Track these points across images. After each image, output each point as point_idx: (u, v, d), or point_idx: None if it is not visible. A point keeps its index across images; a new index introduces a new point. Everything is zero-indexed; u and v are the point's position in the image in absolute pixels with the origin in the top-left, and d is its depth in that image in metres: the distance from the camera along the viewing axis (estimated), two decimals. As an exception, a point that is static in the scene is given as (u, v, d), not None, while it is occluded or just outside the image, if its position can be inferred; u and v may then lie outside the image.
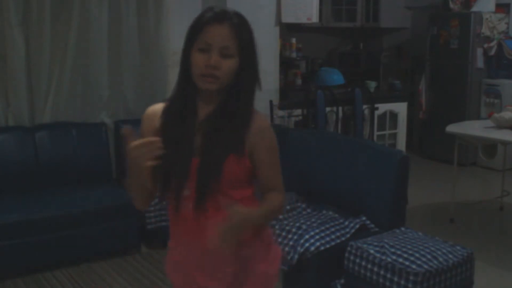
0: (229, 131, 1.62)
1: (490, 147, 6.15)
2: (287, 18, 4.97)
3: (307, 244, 2.99)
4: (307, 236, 3.03)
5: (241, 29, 1.61)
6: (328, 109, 5.15)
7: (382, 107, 5.69)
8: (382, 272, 2.78)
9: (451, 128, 4.50)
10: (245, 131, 1.63)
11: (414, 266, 2.69)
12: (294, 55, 6.06)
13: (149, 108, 1.74)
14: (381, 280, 2.78)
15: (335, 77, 5.59)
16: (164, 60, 4.62)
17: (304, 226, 3.13)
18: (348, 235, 3.12)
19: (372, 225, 3.27)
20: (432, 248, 2.85)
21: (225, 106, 1.63)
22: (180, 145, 1.62)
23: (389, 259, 2.77)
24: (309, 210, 3.52)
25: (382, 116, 5.77)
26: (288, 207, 3.47)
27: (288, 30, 5.92)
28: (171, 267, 1.90)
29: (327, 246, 3.02)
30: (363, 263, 2.87)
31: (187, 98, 1.64)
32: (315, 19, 5.18)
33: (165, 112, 1.67)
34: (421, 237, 3.05)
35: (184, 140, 1.62)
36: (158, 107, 1.71)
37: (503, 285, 3.55)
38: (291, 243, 3.04)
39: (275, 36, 4.97)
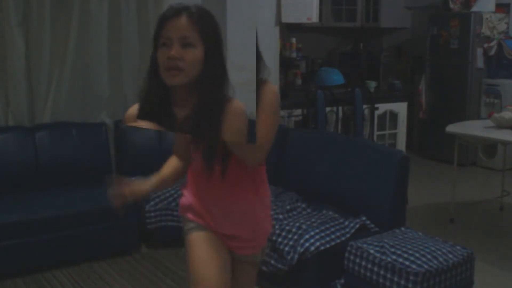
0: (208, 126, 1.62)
1: (490, 147, 6.15)
2: (287, 18, 4.96)
3: (307, 244, 2.99)
4: (307, 236, 3.03)
5: (201, 18, 1.62)
6: (328, 109, 5.15)
7: (382, 107, 5.69)
8: (382, 272, 2.78)
9: (451, 128, 4.50)
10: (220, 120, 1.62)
11: (414, 266, 2.69)
12: (294, 55, 6.06)
13: (128, 112, 1.79)
14: (381, 280, 2.78)
15: (335, 77, 5.59)
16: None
17: (304, 226, 3.14)
18: (348, 235, 3.12)
19: (372, 225, 3.27)
20: (432, 248, 2.85)
21: (201, 104, 1.63)
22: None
23: (389, 259, 2.77)
24: (309, 210, 3.52)
25: (382, 116, 5.77)
26: (288, 207, 3.48)
27: (288, 30, 5.93)
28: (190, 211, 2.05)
29: (327, 246, 3.02)
30: (363, 263, 2.87)
31: (160, 102, 1.67)
32: (315, 19, 5.18)
33: (141, 118, 1.72)
34: (421, 237, 3.05)
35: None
36: (135, 111, 1.76)
37: (503, 285, 3.55)
38: (291, 243, 3.04)
39: (275, 36, 4.97)
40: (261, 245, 2.07)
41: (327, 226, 3.16)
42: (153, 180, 2.10)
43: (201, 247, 1.95)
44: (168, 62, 1.59)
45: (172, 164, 2.11)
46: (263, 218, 2.01)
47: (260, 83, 1.82)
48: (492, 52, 6.36)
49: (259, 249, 2.08)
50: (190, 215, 2.03)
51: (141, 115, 1.72)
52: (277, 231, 3.15)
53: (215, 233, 1.97)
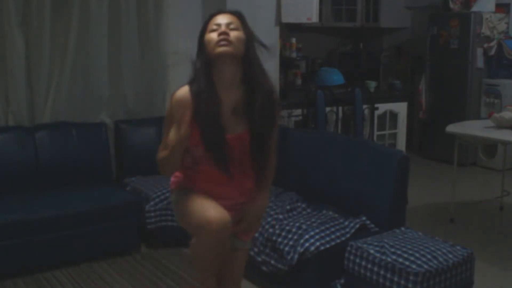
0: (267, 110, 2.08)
1: (490, 147, 6.15)
2: (287, 18, 4.96)
3: (307, 244, 2.99)
4: (307, 236, 3.03)
5: (241, 16, 2.09)
6: (328, 109, 5.15)
7: (382, 107, 5.69)
8: (382, 272, 2.78)
9: (451, 128, 4.50)
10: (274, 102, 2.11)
11: (414, 266, 2.69)
12: (294, 55, 6.06)
13: (180, 94, 2.12)
14: (381, 280, 2.78)
15: (335, 77, 5.59)
16: (164, 60, 4.63)
17: (304, 226, 3.14)
18: (348, 235, 3.12)
19: (372, 225, 3.27)
20: (432, 248, 2.85)
21: (250, 85, 2.04)
22: (215, 128, 2.01)
23: (389, 259, 2.77)
24: (309, 210, 3.52)
25: (382, 116, 5.77)
26: (288, 207, 3.48)
27: (288, 30, 5.92)
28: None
29: (327, 246, 3.02)
30: (363, 263, 2.87)
31: (210, 85, 2.03)
32: (315, 19, 5.17)
33: (195, 99, 2.04)
34: (421, 237, 3.05)
35: (215, 121, 2.01)
36: (187, 93, 2.10)
37: (503, 285, 3.55)
38: (291, 243, 3.04)
39: (275, 36, 4.97)
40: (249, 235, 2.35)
41: (327, 226, 3.16)
42: None
43: (204, 197, 2.14)
44: (219, 37, 1.97)
45: None
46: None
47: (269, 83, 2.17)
48: (492, 52, 6.36)
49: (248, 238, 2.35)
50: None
51: (195, 101, 2.03)
52: (277, 231, 3.16)
53: None
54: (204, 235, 2.05)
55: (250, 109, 2.04)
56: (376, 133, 5.67)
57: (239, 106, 2.04)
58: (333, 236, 3.08)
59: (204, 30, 2.05)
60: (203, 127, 2.01)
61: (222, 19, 2.02)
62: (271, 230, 3.20)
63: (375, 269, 2.81)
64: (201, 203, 2.11)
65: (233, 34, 1.99)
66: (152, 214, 3.84)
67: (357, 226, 3.21)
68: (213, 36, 1.99)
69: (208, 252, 2.09)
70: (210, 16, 2.07)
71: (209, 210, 2.05)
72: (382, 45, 7.55)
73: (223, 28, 1.99)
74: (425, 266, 2.70)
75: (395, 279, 2.72)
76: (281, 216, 3.33)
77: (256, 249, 3.24)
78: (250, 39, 2.04)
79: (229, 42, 1.97)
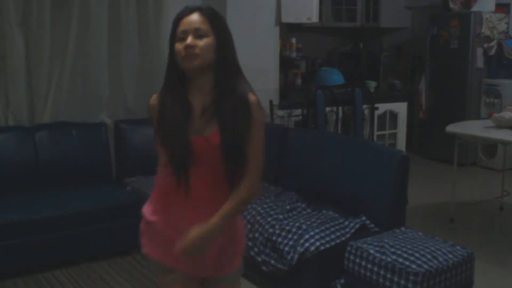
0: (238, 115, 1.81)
1: (490, 147, 6.15)
2: (287, 18, 4.96)
3: (307, 244, 2.99)
4: (307, 236, 3.03)
5: (211, 14, 1.83)
6: (328, 109, 5.15)
7: (382, 107, 5.69)
8: (382, 272, 2.78)
9: (451, 128, 4.50)
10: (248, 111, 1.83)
11: (414, 266, 2.69)
12: (294, 55, 6.06)
13: (151, 100, 1.98)
14: (381, 280, 2.78)
15: (335, 77, 5.59)
16: (164, 60, 4.61)
17: (304, 226, 3.14)
18: (348, 235, 3.12)
19: (372, 225, 3.27)
20: (432, 248, 2.85)
21: (221, 89, 1.83)
22: (177, 130, 1.81)
23: (389, 259, 2.77)
24: (309, 210, 3.52)
25: (382, 116, 5.77)
26: (288, 207, 3.48)
27: (288, 30, 5.93)
28: (154, 243, 2.06)
29: (327, 246, 3.02)
30: (363, 263, 2.87)
31: (179, 90, 1.88)
32: (315, 19, 5.18)
33: (160, 103, 1.90)
34: (421, 237, 3.05)
35: (181, 125, 1.81)
36: (155, 98, 1.97)
37: (503, 285, 3.55)
38: (291, 243, 3.04)
39: (275, 36, 4.97)
40: (230, 267, 1.97)
41: (327, 226, 3.16)
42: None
43: None
44: (186, 50, 1.79)
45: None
46: (230, 242, 1.93)
47: (245, 89, 1.90)
48: (492, 52, 6.36)
49: (229, 271, 1.98)
50: (154, 254, 2.05)
51: (160, 106, 1.89)
52: (277, 231, 3.16)
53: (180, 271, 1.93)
54: None
55: (219, 111, 1.80)
56: (376, 133, 5.67)
57: (208, 108, 1.82)
58: (333, 236, 3.08)
59: (173, 34, 1.86)
60: (165, 130, 1.83)
61: (189, 25, 1.79)
62: (271, 230, 3.20)
63: (375, 269, 2.81)
64: None
65: (201, 45, 1.77)
66: (152, 214, 3.83)
67: (357, 226, 3.21)
68: (180, 47, 1.81)
69: None
70: (177, 17, 1.85)
71: None
72: (382, 45, 7.55)
73: (188, 41, 1.77)
74: (425, 266, 2.70)
75: (395, 279, 2.72)
76: (281, 216, 3.33)
77: (256, 249, 3.24)
78: (222, 40, 1.82)
79: (195, 56, 1.78)
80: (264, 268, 3.18)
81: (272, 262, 3.12)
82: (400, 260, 2.74)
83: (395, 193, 3.25)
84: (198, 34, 1.79)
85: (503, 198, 4.98)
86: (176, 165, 1.81)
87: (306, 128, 5.02)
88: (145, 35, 4.53)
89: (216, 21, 1.82)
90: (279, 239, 3.10)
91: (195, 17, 1.80)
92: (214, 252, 1.87)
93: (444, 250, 2.85)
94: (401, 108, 5.90)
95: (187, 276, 1.93)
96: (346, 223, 3.23)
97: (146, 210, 2.07)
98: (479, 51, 6.31)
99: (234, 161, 1.80)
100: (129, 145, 4.38)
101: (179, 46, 1.82)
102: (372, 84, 6.08)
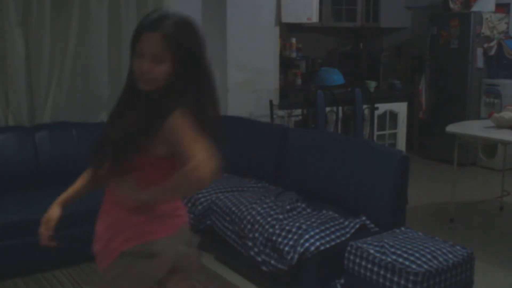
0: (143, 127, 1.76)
1: (490, 147, 6.15)
2: (287, 18, 4.97)
3: (307, 244, 2.99)
4: (307, 236, 3.03)
5: (175, 36, 1.74)
6: (328, 109, 5.15)
7: (382, 107, 5.69)
8: (382, 272, 2.78)
9: (451, 128, 4.50)
10: (155, 129, 1.74)
11: (414, 266, 2.69)
12: (294, 55, 6.06)
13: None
14: (381, 280, 2.78)
15: (335, 77, 5.59)
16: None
17: (304, 226, 3.14)
18: (348, 235, 3.12)
19: (372, 225, 3.27)
20: (432, 248, 2.85)
21: (153, 105, 1.77)
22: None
23: (389, 259, 2.77)
24: (309, 210, 3.52)
25: (382, 116, 5.77)
26: (288, 207, 3.48)
27: (288, 30, 5.93)
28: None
29: (327, 246, 3.02)
30: (363, 263, 2.87)
31: (132, 99, 1.83)
32: (315, 19, 5.18)
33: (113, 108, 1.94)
34: (421, 237, 3.05)
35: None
36: None
37: (503, 285, 3.55)
38: (291, 243, 3.04)
39: (275, 36, 4.97)
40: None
41: (327, 226, 3.16)
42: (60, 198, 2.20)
43: None
44: (139, 75, 1.75)
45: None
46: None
47: (166, 114, 1.76)
48: (492, 52, 6.36)
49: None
50: None
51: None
52: (277, 231, 3.16)
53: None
54: None
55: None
56: (376, 133, 5.67)
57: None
58: (333, 236, 3.08)
59: (132, 45, 1.78)
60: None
61: (147, 47, 1.71)
62: (271, 230, 3.20)
63: (375, 269, 2.81)
64: None
65: (156, 71, 1.72)
66: (152, 214, 3.83)
67: (357, 226, 3.21)
68: (136, 67, 1.75)
69: None
70: (140, 27, 1.76)
71: None
72: (382, 45, 7.55)
73: (144, 66, 1.72)
74: (425, 266, 2.70)
75: (395, 279, 2.72)
76: (281, 216, 3.33)
77: (256, 249, 3.24)
78: (180, 66, 1.75)
79: (149, 81, 1.74)
80: (264, 268, 3.18)
81: (272, 262, 3.12)
82: (400, 260, 2.74)
83: (395, 193, 3.25)
84: (156, 59, 1.72)
85: (503, 198, 4.98)
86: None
87: (306, 128, 5.02)
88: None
89: (178, 44, 1.74)
90: (279, 239, 3.10)
91: (157, 38, 1.71)
92: (100, 245, 2.03)
93: (444, 250, 2.85)
94: (401, 108, 5.90)
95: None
96: (346, 223, 3.23)
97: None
98: (479, 51, 6.31)
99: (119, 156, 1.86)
100: (129, 145, 4.38)
101: (136, 64, 1.75)
102: (372, 84, 6.08)
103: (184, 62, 1.75)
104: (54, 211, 2.19)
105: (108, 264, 1.98)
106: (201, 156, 1.68)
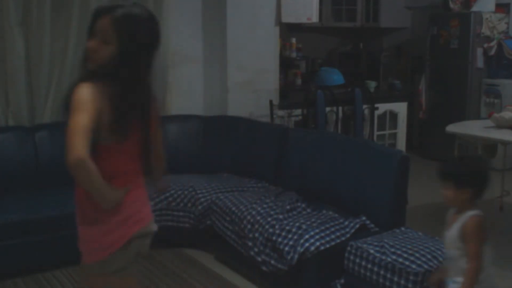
0: None
1: (490, 147, 6.14)
2: (287, 18, 4.96)
3: (307, 244, 2.99)
4: (307, 236, 3.03)
5: (123, 22, 1.88)
6: (328, 109, 5.15)
7: (382, 107, 5.69)
8: (382, 272, 2.78)
9: (451, 128, 4.50)
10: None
11: (414, 266, 2.69)
12: (294, 55, 6.06)
13: None
14: (381, 280, 2.78)
15: (335, 77, 5.59)
16: (164, 60, 4.62)
17: (304, 226, 3.14)
18: (348, 235, 3.12)
19: (372, 225, 3.27)
20: (432, 248, 2.85)
21: None
22: None
23: (389, 259, 2.77)
24: (309, 210, 3.52)
25: (382, 116, 5.77)
26: (288, 207, 3.48)
27: (288, 30, 5.93)
28: None
29: (327, 246, 3.02)
30: (363, 263, 2.87)
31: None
32: (315, 19, 5.17)
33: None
34: (421, 237, 3.05)
35: None
36: None
37: (503, 285, 3.55)
38: (291, 243, 3.04)
39: (275, 36, 4.97)
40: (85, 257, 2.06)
41: (327, 226, 3.16)
42: None
43: None
44: (88, 52, 1.91)
45: None
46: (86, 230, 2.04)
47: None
48: (492, 52, 6.35)
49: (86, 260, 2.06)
50: None
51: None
52: (277, 231, 3.16)
53: None
54: None
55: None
56: (376, 133, 5.67)
57: None
58: (333, 236, 3.08)
59: (91, 26, 1.94)
60: None
61: (99, 28, 1.89)
62: (271, 230, 3.20)
63: (375, 269, 2.81)
64: None
65: (101, 50, 1.88)
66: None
67: (357, 226, 3.21)
68: (88, 45, 1.92)
69: None
70: (100, 9, 1.94)
71: None
72: (382, 45, 7.55)
73: (93, 45, 1.89)
74: (425, 266, 2.70)
75: (395, 279, 2.72)
76: (281, 216, 3.33)
77: (256, 249, 3.24)
78: (123, 51, 1.88)
79: (91, 60, 1.91)
80: (264, 268, 3.18)
81: (272, 262, 3.12)
82: (400, 260, 2.74)
83: (395, 193, 3.25)
84: (104, 39, 1.87)
85: (503, 198, 4.97)
86: None
87: (306, 128, 5.02)
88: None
89: (123, 29, 1.87)
90: (279, 239, 3.10)
91: (106, 21, 1.87)
92: (81, 237, 2.06)
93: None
94: (401, 108, 5.90)
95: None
96: (346, 223, 3.23)
97: None
98: (479, 51, 6.31)
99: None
100: (129, 145, 4.38)
101: (88, 42, 1.93)
102: (372, 84, 6.08)
103: (126, 48, 1.88)
104: None
105: (86, 263, 2.10)
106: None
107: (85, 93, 1.88)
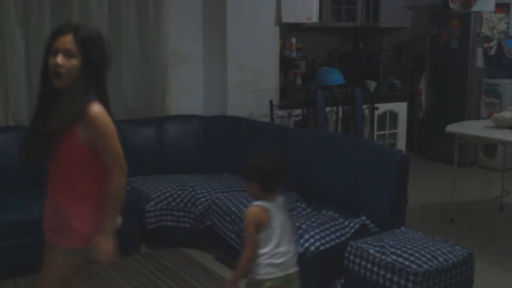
0: (62, 113, 2.12)
1: (490, 147, 6.15)
2: (287, 18, 4.96)
3: (307, 244, 2.99)
4: (307, 236, 3.03)
5: (83, 37, 2.10)
6: (328, 109, 5.15)
7: (382, 107, 5.69)
8: (382, 272, 2.78)
9: (451, 128, 4.50)
10: (74, 117, 2.10)
11: (414, 266, 2.69)
12: (294, 55, 6.06)
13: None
14: (381, 280, 2.78)
15: (335, 77, 5.59)
16: (164, 60, 4.63)
17: (304, 226, 3.14)
18: (348, 235, 3.12)
19: (372, 225, 3.27)
20: (432, 248, 2.85)
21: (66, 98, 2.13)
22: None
23: (389, 259, 2.77)
24: (309, 210, 3.52)
25: (382, 116, 5.77)
26: (288, 207, 3.47)
27: (288, 30, 5.92)
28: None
29: (327, 246, 3.02)
30: (363, 263, 2.87)
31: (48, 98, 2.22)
32: (315, 19, 5.17)
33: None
34: (421, 237, 3.05)
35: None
36: None
37: (503, 285, 3.55)
38: (291, 243, 3.04)
39: (275, 36, 4.97)
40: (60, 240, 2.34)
41: (327, 226, 3.16)
42: None
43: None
44: (53, 67, 2.09)
45: None
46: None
47: (80, 105, 2.15)
48: (492, 52, 6.35)
49: (60, 243, 2.35)
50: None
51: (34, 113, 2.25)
52: (277, 231, 3.15)
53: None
54: None
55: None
56: (376, 133, 5.67)
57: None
58: (333, 236, 3.08)
59: (48, 47, 2.12)
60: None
61: (62, 45, 2.07)
62: (271, 230, 3.20)
63: (375, 269, 2.81)
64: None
65: (67, 64, 2.07)
66: (152, 214, 3.84)
67: (357, 226, 3.21)
68: (50, 62, 2.09)
69: None
70: (56, 31, 2.12)
71: None
72: (382, 45, 7.55)
73: (58, 60, 2.06)
74: (425, 266, 2.70)
75: (395, 279, 2.72)
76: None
77: (256, 249, 3.23)
78: (89, 63, 2.10)
79: (60, 76, 2.08)
80: (264, 268, 3.18)
81: (272, 262, 3.12)
82: (400, 260, 2.75)
83: (395, 193, 3.25)
84: (67, 54, 2.07)
85: (503, 198, 4.98)
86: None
87: (306, 128, 5.02)
88: (145, 35, 4.53)
89: (85, 44, 2.09)
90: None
91: (69, 38, 2.07)
92: (53, 221, 2.37)
93: (444, 250, 2.85)
94: (401, 108, 5.91)
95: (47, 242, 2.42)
96: (346, 223, 3.23)
97: None
98: (479, 51, 6.31)
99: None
100: (129, 145, 4.37)
101: (51, 60, 2.10)
102: (372, 84, 6.09)
103: (90, 60, 2.11)
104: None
105: (60, 245, 2.41)
106: (118, 170, 2.17)
107: (107, 115, 2.21)
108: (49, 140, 2.13)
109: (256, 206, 2.36)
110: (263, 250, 2.33)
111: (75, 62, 2.08)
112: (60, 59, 2.06)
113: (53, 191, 2.32)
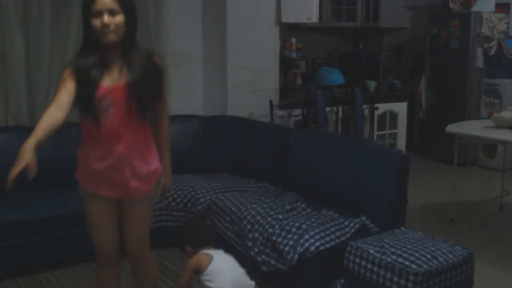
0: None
1: (490, 147, 6.15)
2: (287, 18, 4.96)
3: (307, 244, 2.99)
4: (307, 236, 3.04)
5: None
6: (328, 109, 5.15)
7: (382, 107, 5.69)
8: (382, 272, 2.78)
9: (451, 128, 4.50)
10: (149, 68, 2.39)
11: (414, 266, 2.69)
12: (294, 55, 6.06)
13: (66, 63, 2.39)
14: (381, 280, 2.78)
15: (335, 77, 5.58)
16: (165, 60, 4.62)
17: (304, 226, 3.14)
18: (348, 235, 3.12)
19: (372, 225, 3.27)
20: (432, 248, 2.85)
21: (128, 52, 2.35)
22: (85, 77, 2.29)
23: (389, 259, 2.77)
24: (309, 210, 3.52)
25: (382, 116, 5.77)
26: (288, 207, 3.48)
27: (288, 30, 5.92)
28: (92, 179, 2.51)
29: (327, 246, 3.02)
30: (363, 263, 2.87)
31: (94, 54, 2.30)
32: (315, 19, 5.17)
33: (77, 64, 2.32)
34: (421, 237, 3.05)
35: (86, 73, 2.29)
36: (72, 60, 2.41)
37: (503, 285, 3.55)
38: (291, 243, 3.05)
39: (275, 36, 4.97)
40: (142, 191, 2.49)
41: (327, 226, 3.16)
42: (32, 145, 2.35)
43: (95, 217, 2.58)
44: (102, 28, 2.23)
45: (51, 119, 2.49)
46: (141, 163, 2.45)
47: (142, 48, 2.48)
48: (492, 52, 6.36)
49: (140, 195, 2.50)
50: (87, 182, 2.51)
51: (78, 73, 2.29)
52: (277, 231, 3.16)
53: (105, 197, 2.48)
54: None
55: (129, 65, 2.33)
56: (376, 133, 5.67)
57: (121, 64, 2.33)
58: (333, 236, 3.08)
59: (87, 11, 2.24)
60: (77, 82, 2.29)
61: (104, 6, 2.21)
62: (271, 230, 3.20)
63: (375, 269, 2.81)
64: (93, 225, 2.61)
65: (115, 23, 2.24)
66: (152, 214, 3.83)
67: (357, 226, 3.21)
68: (97, 24, 2.22)
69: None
70: None
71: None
72: (382, 45, 7.55)
73: (105, 20, 2.21)
74: (425, 266, 2.70)
75: (395, 279, 2.72)
76: (281, 216, 3.33)
77: (256, 249, 3.24)
78: (131, 16, 2.31)
79: (111, 32, 2.24)
80: (264, 268, 3.18)
81: (272, 262, 3.12)
82: (400, 260, 2.75)
83: (395, 193, 3.25)
84: (112, 12, 2.22)
85: (503, 198, 4.98)
86: (88, 108, 2.34)
87: (306, 128, 5.02)
88: (145, 35, 4.52)
89: (125, 1, 2.27)
90: (279, 239, 3.11)
91: None
92: (129, 177, 2.41)
93: (444, 250, 2.85)
94: (401, 108, 5.90)
95: (106, 199, 2.49)
96: (346, 223, 3.23)
97: (81, 153, 2.61)
98: (479, 51, 6.32)
99: (141, 110, 2.34)
100: (129, 145, 4.38)
101: (96, 22, 2.22)
102: (372, 84, 6.09)
103: (131, 14, 2.31)
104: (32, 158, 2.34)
105: (141, 197, 2.53)
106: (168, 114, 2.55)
107: None
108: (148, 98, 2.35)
109: (196, 256, 2.91)
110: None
111: (119, 18, 2.25)
112: (106, 18, 2.21)
113: (117, 149, 2.38)
